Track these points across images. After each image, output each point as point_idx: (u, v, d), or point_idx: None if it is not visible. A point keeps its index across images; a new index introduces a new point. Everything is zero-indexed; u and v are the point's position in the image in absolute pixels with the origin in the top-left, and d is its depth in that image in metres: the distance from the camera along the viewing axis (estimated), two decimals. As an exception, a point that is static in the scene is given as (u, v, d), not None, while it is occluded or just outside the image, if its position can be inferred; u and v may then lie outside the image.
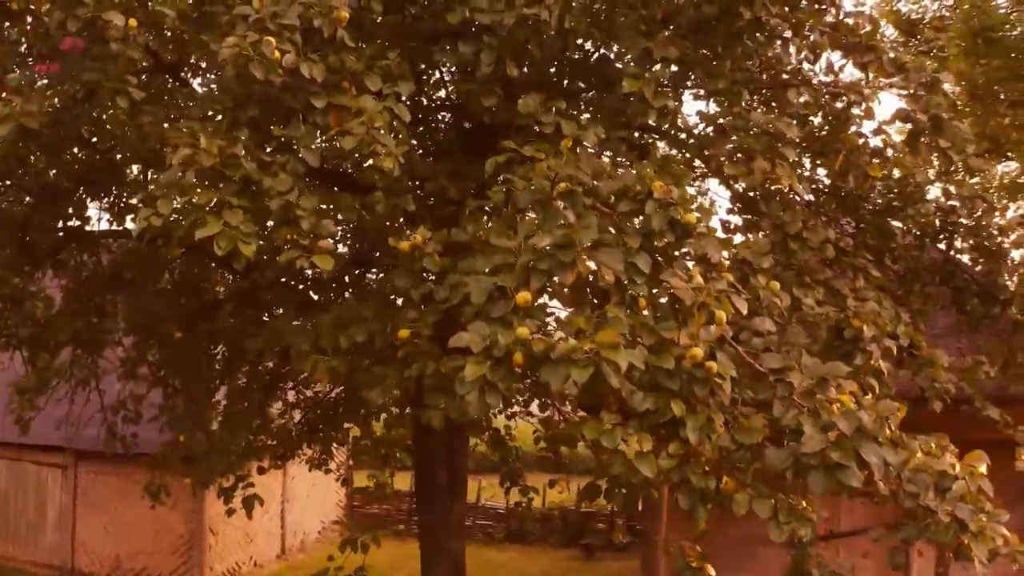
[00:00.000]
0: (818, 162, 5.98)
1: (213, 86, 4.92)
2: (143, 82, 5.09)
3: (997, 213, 7.16)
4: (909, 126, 5.35)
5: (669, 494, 4.27)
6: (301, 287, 6.24)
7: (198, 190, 4.15)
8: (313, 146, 4.43)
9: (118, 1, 4.63)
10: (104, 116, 5.58)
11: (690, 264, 4.12)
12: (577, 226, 3.77)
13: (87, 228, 7.19)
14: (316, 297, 6.19)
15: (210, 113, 4.89)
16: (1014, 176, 13.09)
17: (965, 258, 7.14)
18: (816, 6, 5.44)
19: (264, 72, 4.20)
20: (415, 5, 5.17)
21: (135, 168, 6.72)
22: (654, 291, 3.97)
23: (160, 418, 8.32)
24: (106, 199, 7.04)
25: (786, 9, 5.23)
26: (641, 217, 4.12)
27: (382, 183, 4.61)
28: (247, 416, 8.14)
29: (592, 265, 3.67)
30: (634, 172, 4.25)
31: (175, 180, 4.22)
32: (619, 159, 5.55)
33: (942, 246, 6.95)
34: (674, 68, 5.19)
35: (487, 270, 3.91)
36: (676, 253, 4.12)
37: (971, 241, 6.88)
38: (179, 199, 4.25)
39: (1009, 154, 11.28)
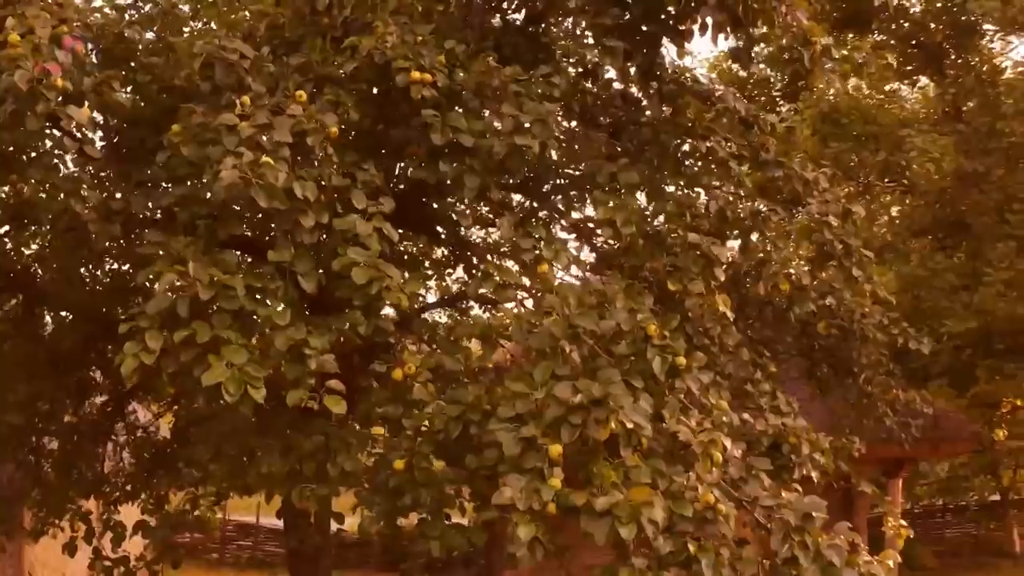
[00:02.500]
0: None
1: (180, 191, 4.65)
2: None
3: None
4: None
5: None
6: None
7: (193, 324, 3.97)
8: (309, 272, 4.38)
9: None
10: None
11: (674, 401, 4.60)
12: (601, 380, 4.08)
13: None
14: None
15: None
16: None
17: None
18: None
19: (268, 199, 4.12)
20: (395, 122, 5.22)
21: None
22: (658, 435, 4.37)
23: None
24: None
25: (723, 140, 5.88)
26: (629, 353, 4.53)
27: (363, 302, 4.62)
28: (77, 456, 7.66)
29: (626, 422, 3.98)
30: (620, 307, 4.66)
31: (163, 310, 4.02)
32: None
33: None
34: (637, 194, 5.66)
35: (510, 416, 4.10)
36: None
37: (835, 321, 7.98)
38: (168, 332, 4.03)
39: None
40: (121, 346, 3.96)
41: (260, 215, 4.63)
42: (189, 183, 4.61)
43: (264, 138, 4.30)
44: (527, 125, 4.91)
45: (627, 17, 5.53)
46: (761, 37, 5.03)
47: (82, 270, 6.32)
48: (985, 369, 13.18)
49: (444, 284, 6.98)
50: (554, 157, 5.30)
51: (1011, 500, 18.82)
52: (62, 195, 5.04)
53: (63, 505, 7.70)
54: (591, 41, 6.70)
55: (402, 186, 5.47)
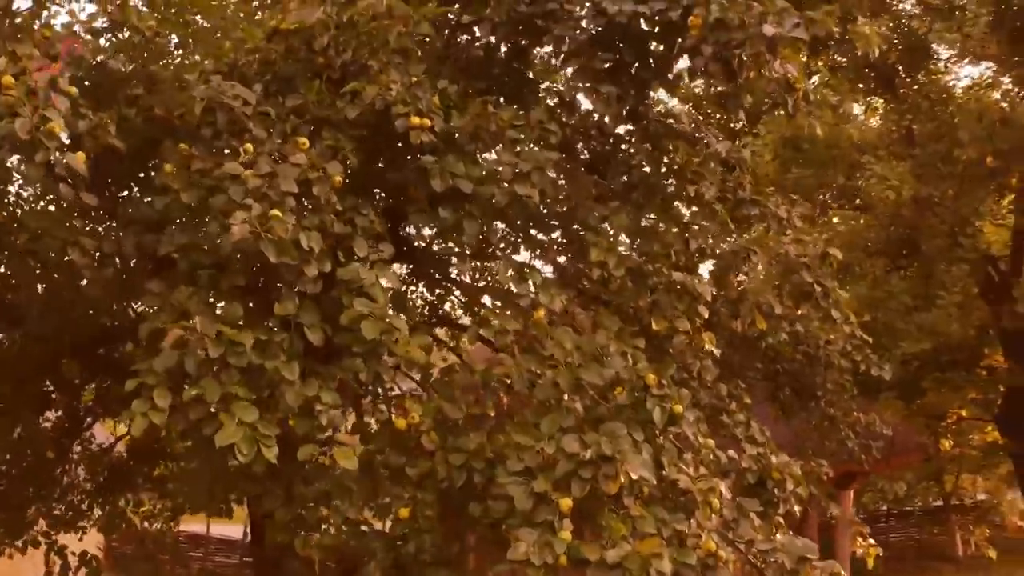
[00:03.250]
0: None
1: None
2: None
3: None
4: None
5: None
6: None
7: (201, 381, 3.99)
8: (315, 324, 4.42)
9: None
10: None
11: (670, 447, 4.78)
12: (606, 433, 4.23)
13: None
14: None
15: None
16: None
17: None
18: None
19: (278, 254, 4.15)
20: (392, 165, 5.27)
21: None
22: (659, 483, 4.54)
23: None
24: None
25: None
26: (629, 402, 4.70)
27: (364, 350, 4.68)
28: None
29: (632, 474, 4.13)
30: (614, 351, 4.83)
31: (170, 367, 4.03)
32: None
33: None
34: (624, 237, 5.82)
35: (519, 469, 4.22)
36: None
37: (800, 347, 8.30)
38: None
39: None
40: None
41: (262, 265, 4.63)
42: (189, 231, 4.59)
43: (269, 189, 4.32)
44: (526, 171, 5.02)
45: (617, 58, 5.68)
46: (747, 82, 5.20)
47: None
48: (932, 381, 13.77)
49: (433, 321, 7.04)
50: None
51: (953, 505, 19.62)
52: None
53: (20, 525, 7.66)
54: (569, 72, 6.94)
55: (401, 230, 5.52)
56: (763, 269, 6.91)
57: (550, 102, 6.69)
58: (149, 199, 4.96)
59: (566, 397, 4.50)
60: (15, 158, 4.68)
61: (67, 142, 4.41)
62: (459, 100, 5.50)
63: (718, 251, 6.67)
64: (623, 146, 6.27)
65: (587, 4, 5.54)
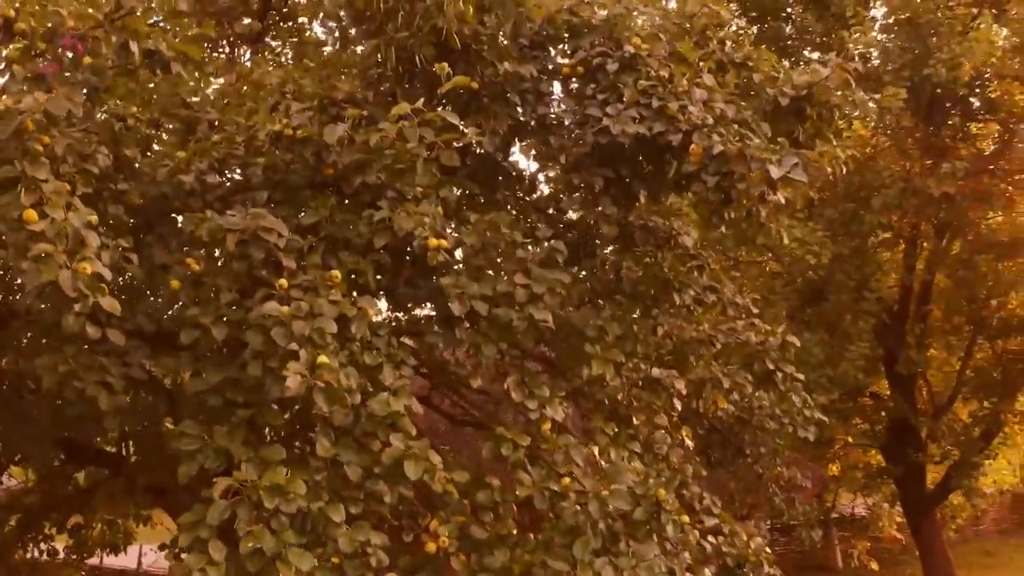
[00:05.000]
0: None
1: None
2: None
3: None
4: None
5: None
6: None
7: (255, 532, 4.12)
8: (352, 461, 4.60)
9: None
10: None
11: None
12: (637, 556, 4.65)
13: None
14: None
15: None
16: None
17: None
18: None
19: (330, 403, 4.32)
20: (407, 282, 5.47)
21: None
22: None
23: None
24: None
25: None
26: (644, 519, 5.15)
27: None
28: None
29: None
30: (628, 471, 5.27)
31: (222, 517, 4.14)
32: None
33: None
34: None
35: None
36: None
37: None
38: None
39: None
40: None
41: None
42: (221, 366, 4.68)
43: (313, 332, 4.46)
44: (540, 293, 5.35)
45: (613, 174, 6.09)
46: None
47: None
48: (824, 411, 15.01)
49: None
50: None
51: (833, 519, 21.27)
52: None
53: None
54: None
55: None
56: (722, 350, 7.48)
57: (527, 193, 7.06)
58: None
59: (599, 523, 4.88)
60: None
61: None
62: (459, 208, 5.76)
63: (685, 338, 7.23)
64: (608, 250, 6.69)
65: (586, 121, 5.91)
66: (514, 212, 6.75)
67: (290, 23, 10.13)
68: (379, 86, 6.16)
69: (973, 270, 12.65)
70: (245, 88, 6.90)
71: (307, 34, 10.85)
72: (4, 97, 4.41)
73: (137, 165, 5.87)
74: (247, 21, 9.86)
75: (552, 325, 5.33)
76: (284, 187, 5.62)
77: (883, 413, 16.19)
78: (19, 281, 5.39)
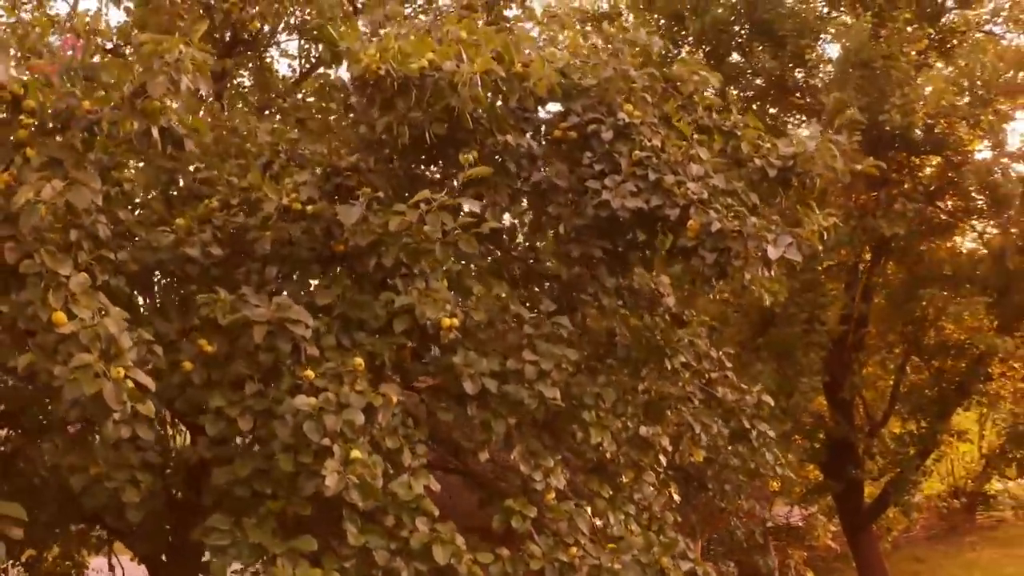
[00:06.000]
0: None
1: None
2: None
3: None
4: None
5: None
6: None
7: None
8: (381, 547, 4.75)
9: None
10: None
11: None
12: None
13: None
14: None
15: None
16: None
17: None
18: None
19: (364, 498, 4.47)
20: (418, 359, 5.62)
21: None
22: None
23: None
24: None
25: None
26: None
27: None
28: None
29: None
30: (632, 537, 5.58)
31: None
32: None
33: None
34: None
35: None
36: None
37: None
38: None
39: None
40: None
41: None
42: (248, 458, 4.76)
43: (344, 426, 4.60)
44: (548, 370, 5.58)
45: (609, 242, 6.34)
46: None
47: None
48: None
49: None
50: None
51: (768, 528, 22.09)
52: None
53: None
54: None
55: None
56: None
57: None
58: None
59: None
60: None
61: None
62: (457, 278, 5.95)
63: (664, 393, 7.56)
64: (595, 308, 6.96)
65: (584, 191, 6.14)
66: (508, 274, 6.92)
67: (252, 54, 10.08)
68: (380, 151, 6.27)
69: (914, 300, 13.37)
70: (229, 138, 6.94)
71: (272, 71, 10.82)
72: (23, 187, 4.38)
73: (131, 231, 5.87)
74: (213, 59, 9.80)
75: (562, 403, 5.57)
76: (291, 260, 5.70)
77: (821, 434, 16.93)
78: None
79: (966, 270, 13.15)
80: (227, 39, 8.96)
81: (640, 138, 6.31)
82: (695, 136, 6.36)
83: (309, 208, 5.57)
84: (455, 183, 6.17)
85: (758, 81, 13.36)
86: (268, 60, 10.77)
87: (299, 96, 10.89)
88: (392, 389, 4.97)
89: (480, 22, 7.94)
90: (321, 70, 11.16)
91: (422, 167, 6.61)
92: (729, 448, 7.94)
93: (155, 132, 4.68)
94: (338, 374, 4.87)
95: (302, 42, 10.90)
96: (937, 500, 22.70)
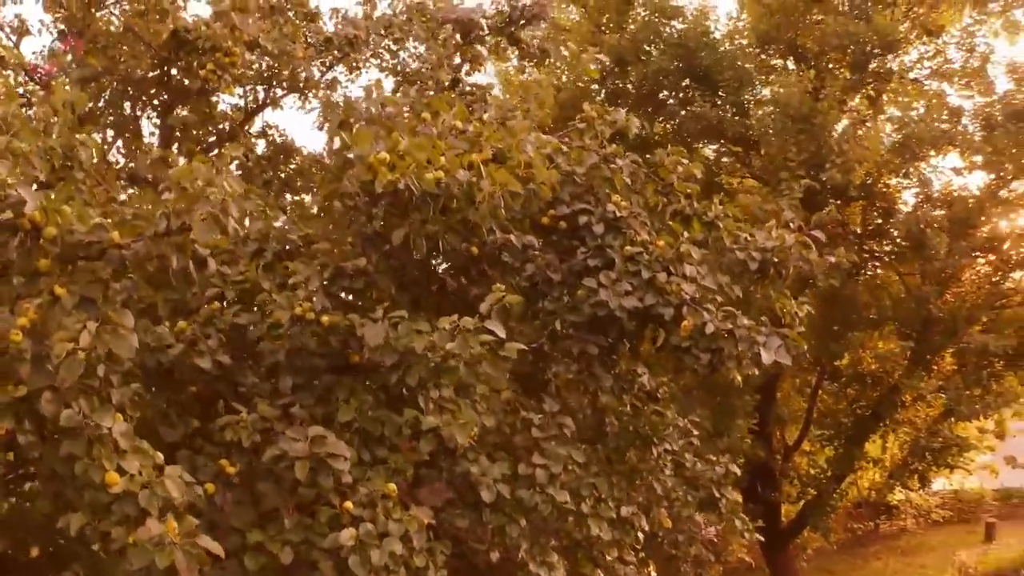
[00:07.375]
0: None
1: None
2: None
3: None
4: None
5: None
6: None
7: None
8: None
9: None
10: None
11: None
12: None
13: None
14: None
15: None
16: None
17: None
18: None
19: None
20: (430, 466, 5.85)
21: None
22: None
23: None
24: None
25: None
26: None
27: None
28: None
29: None
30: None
31: None
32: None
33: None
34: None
35: None
36: None
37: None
38: None
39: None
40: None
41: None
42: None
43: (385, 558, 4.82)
44: (557, 473, 5.92)
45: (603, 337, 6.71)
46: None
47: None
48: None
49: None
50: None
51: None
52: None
53: None
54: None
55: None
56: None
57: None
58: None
59: None
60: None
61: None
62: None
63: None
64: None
65: (577, 286, 6.48)
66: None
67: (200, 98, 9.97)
68: (380, 245, 6.41)
69: (842, 341, 14.32)
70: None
71: (215, 109, 10.71)
72: (58, 334, 4.36)
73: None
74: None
75: (573, 507, 5.92)
76: (305, 371, 5.81)
77: (741, 459, 17.85)
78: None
79: (887, 311, 14.16)
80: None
81: (630, 232, 6.69)
82: (685, 235, 6.80)
83: (324, 319, 5.70)
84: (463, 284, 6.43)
85: (697, 126, 13.99)
86: (214, 100, 10.67)
87: (242, 139, 10.85)
88: (424, 513, 5.20)
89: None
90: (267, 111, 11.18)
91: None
92: (698, 515, 8.44)
93: (192, 269, 4.75)
94: (372, 500, 5.08)
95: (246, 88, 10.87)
96: (844, 513, 24.18)
